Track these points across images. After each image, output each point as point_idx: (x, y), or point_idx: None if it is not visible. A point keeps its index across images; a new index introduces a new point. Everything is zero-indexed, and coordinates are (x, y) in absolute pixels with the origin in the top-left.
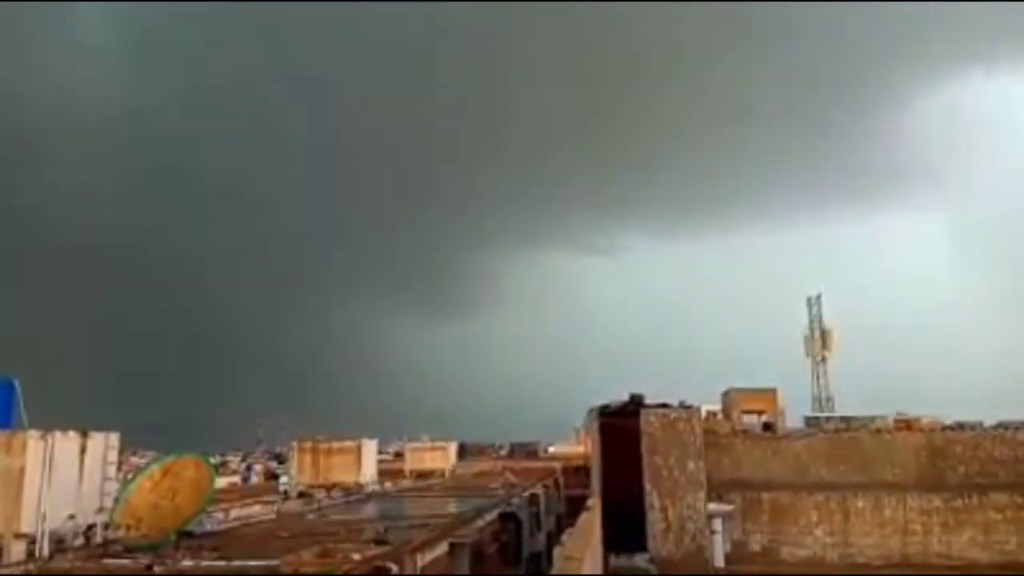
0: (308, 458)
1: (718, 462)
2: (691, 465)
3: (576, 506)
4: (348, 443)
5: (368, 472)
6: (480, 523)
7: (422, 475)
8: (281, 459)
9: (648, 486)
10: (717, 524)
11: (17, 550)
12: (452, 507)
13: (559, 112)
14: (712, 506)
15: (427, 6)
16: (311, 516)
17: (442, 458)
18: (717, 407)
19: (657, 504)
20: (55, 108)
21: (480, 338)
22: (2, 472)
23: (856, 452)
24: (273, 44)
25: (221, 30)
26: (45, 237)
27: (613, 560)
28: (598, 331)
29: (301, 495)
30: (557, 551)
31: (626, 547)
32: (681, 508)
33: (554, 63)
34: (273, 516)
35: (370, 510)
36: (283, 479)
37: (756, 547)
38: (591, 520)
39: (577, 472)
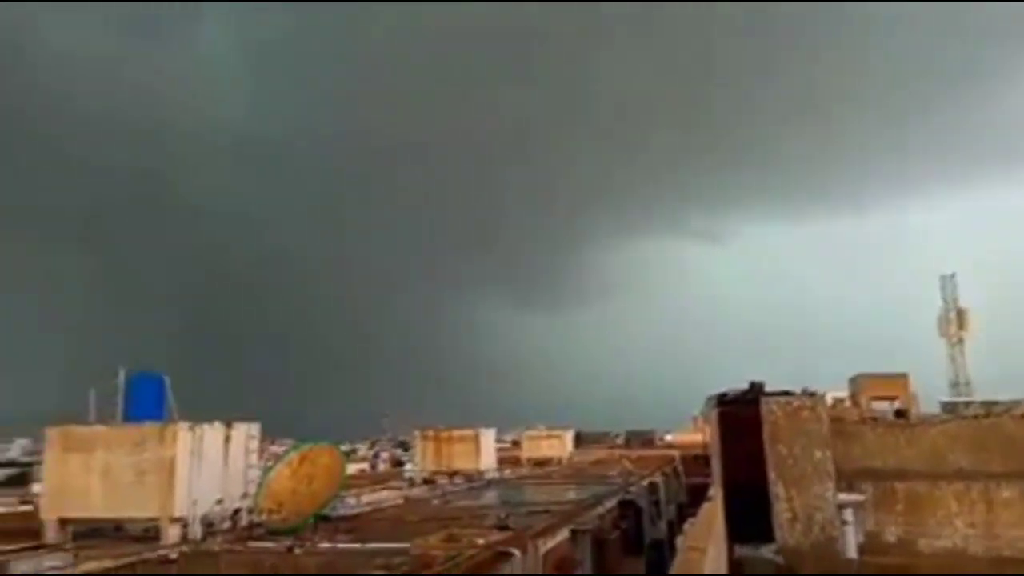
0: (430, 446)
1: (847, 451)
2: (817, 454)
3: (697, 495)
4: (468, 431)
5: (487, 460)
6: (600, 510)
7: (539, 463)
8: (405, 447)
9: (772, 475)
10: (848, 514)
11: (173, 533)
12: (571, 494)
13: (665, 101)
14: (842, 496)
15: (521, 6)
16: (436, 502)
17: (559, 446)
18: (844, 394)
19: (782, 494)
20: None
21: (591, 327)
22: (156, 461)
23: (999, 439)
24: (387, 56)
25: (337, 40)
26: (191, 250)
27: (738, 550)
28: (712, 318)
29: (425, 481)
30: (680, 540)
31: (751, 537)
32: (808, 498)
33: (659, 54)
34: (400, 501)
35: (491, 496)
36: (408, 466)
37: (891, 538)
38: (714, 509)
39: (697, 460)
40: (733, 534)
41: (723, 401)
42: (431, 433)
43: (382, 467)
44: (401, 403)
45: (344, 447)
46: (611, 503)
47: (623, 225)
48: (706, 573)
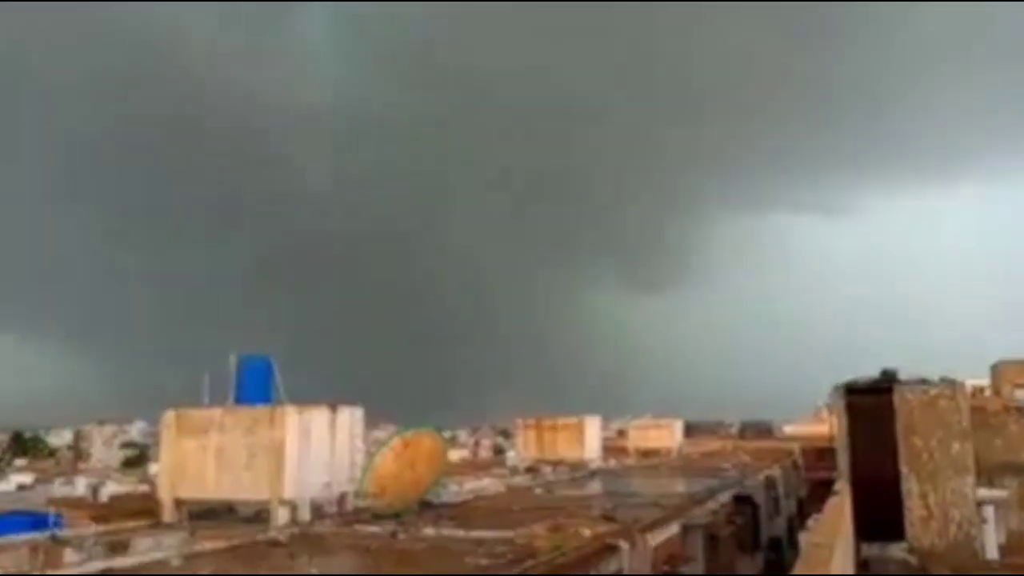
0: (532, 434)
1: (988, 443)
2: (956, 447)
3: (819, 490)
4: (571, 420)
5: (592, 449)
6: (713, 504)
7: (646, 453)
8: (507, 435)
9: (905, 470)
10: (988, 512)
11: (282, 514)
12: (680, 487)
13: (780, 66)
14: (982, 492)
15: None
16: (539, 491)
17: (667, 436)
18: (985, 382)
19: (916, 490)
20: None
21: (699, 308)
22: (267, 444)
23: None
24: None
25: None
26: (301, 235)
27: (866, 549)
28: (831, 297)
29: (528, 470)
30: (803, 537)
31: (880, 535)
32: (944, 494)
33: (774, 16)
34: (503, 489)
35: (596, 487)
36: (510, 454)
37: None
38: (840, 505)
39: (820, 454)
40: (860, 532)
41: (852, 390)
42: (533, 421)
43: (484, 454)
44: (503, 389)
45: (445, 434)
46: (725, 497)
47: (736, 200)
48: (833, 572)
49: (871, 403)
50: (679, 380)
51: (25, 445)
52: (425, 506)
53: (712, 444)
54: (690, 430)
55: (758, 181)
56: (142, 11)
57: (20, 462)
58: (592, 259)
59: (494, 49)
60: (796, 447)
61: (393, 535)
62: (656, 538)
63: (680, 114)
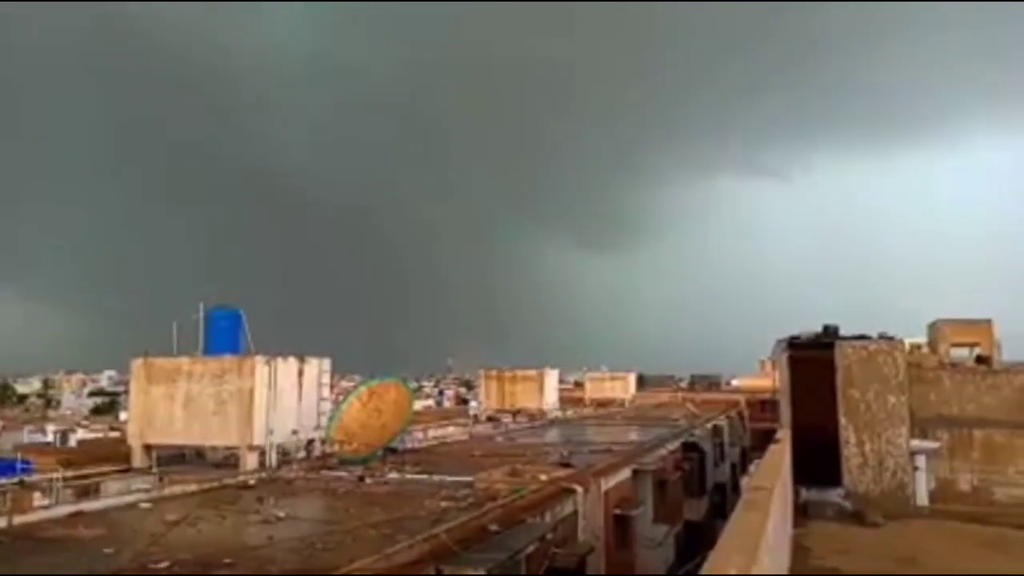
0: (494, 385)
1: (923, 397)
2: (892, 399)
3: (762, 440)
4: (531, 372)
5: (550, 399)
6: (662, 452)
7: (602, 404)
8: (470, 385)
9: (843, 420)
10: (921, 461)
11: (251, 460)
12: (633, 435)
13: (730, 33)
14: (915, 443)
15: None
16: (499, 438)
17: (621, 388)
18: (923, 340)
19: (853, 439)
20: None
21: (653, 268)
22: (235, 392)
23: None
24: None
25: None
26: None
27: (804, 493)
28: (780, 258)
29: (489, 419)
30: (745, 481)
31: (818, 481)
32: (880, 444)
33: None
34: (465, 437)
35: (553, 435)
36: (473, 404)
37: (965, 487)
38: (780, 452)
39: (763, 406)
40: (800, 478)
41: (794, 345)
42: (495, 372)
43: (447, 404)
44: (465, 342)
45: (411, 385)
46: (674, 445)
47: (686, 162)
48: (772, 512)
49: (812, 357)
50: (633, 336)
51: None
52: (391, 452)
53: (663, 396)
54: (643, 382)
55: (708, 145)
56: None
57: None
58: (549, 221)
59: (473, 13)
60: (741, 399)
61: (360, 480)
62: (608, 483)
63: (633, 77)
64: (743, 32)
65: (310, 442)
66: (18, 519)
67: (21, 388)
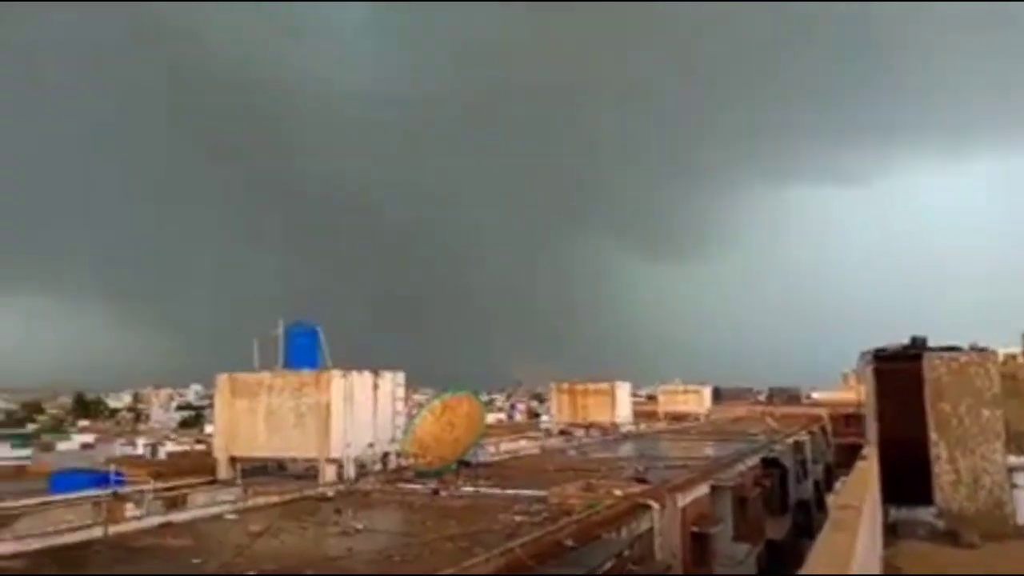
0: (566, 398)
1: (1020, 411)
2: (986, 413)
3: (846, 455)
4: (603, 385)
5: (623, 413)
6: (741, 467)
7: (676, 418)
8: (541, 399)
9: (934, 435)
10: (1021, 478)
11: (329, 472)
12: (709, 450)
13: (800, 42)
14: (1014, 459)
15: None
16: (572, 452)
17: (696, 401)
18: (1017, 350)
19: (945, 455)
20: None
21: (728, 279)
22: (313, 406)
23: None
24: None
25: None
26: (331, 215)
27: (893, 512)
28: (863, 268)
29: (561, 433)
30: (831, 499)
31: (908, 499)
32: (974, 460)
33: None
34: (537, 451)
35: (627, 449)
36: (544, 417)
37: None
38: (868, 469)
39: (847, 420)
40: (888, 495)
41: (880, 357)
42: (566, 386)
43: (518, 417)
44: (534, 355)
45: (482, 398)
46: (753, 461)
47: (756, 168)
48: (861, 532)
49: (899, 370)
50: (707, 348)
51: (87, 407)
52: (464, 465)
53: (739, 410)
54: (719, 396)
55: (778, 150)
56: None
57: (83, 423)
58: (622, 233)
59: (528, 29)
60: (824, 413)
61: (434, 493)
62: (685, 498)
63: (698, 83)
64: (814, 42)
65: (385, 455)
66: (112, 529)
67: (113, 403)
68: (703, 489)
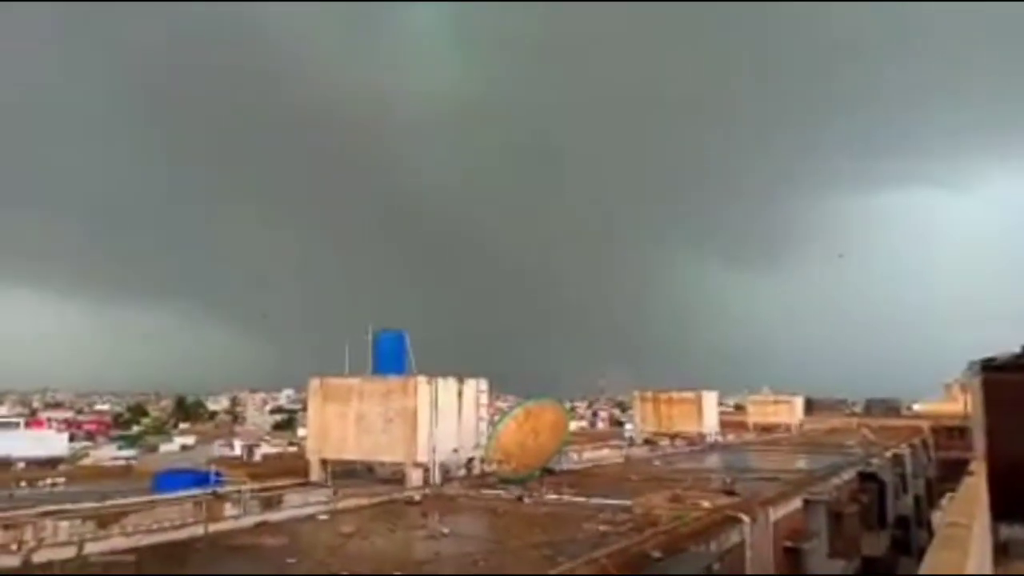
0: (650, 407)
1: None
2: None
3: (951, 470)
4: (688, 394)
5: (709, 423)
6: (836, 481)
7: (766, 429)
8: (624, 407)
9: None
10: None
11: (416, 476)
12: (802, 463)
13: (894, 45)
14: None
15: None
16: (657, 462)
17: (787, 412)
18: None
19: None
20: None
21: (818, 286)
22: (400, 411)
23: None
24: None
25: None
26: (416, 223)
27: (1005, 530)
28: (955, 274)
29: (646, 442)
30: (937, 516)
31: (1020, 517)
32: None
33: None
34: (621, 460)
35: (714, 460)
36: (627, 426)
37: None
38: (976, 484)
39: (951, 433)
40: (999, 513)
41: (989, 367)
42: (650, 394)
43: (601, 426)
44: (616, 363)
45: (564, 405)
46: (849, 474)
47: (849, 174)
48: (971, 551)
49: (1010, 380)
50: (798, 357)
51: (188, 410)
52: (547, 473)
53: (834, 421)
54: (811, 407)
55: (874, 155)
56: (252, 12)
57: (184, 425)
58: (707, 239)
59: (607, 41)
60: (925, 426)
61: (518, 499)
62: (777, 512)
63: (788, 90)
64: (908, 45)
65: (470, 460)
66: (212, 527)
67: (212, 405)
68: (796, 503)
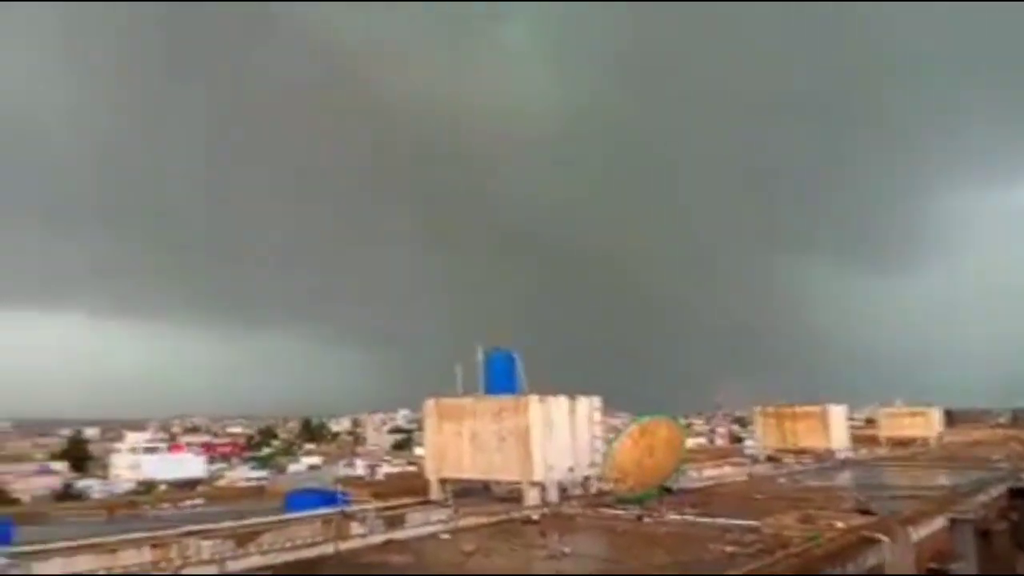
0: (772, 422)
1: None
2: None
3: None
4: (813, 408)
5: (838, 438)
6: (983, 498)
7: (900, 443)
8: (743, 423)
9: None
10: None
11: (532, 495)
12: (943, 479)
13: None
14: None
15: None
16: (782, 480)
17: (923, 425)
18: None
19: None
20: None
21: (946, 289)
22: (514, 430)
23: None
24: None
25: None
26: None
27: None
28: None
29: (769, 459)
30: None
31: None
32: None
33: None
34: (744, 478)
35: (845, 478)
36: (748, 443)
37: None
38: None
39: None
40: None
41: None
42: (772, 409)
43: (720, 442)
44: (733, 377)
45: (680, 421)
46: (998, 490)
47: (1000, 172)
48: None
49: None
50: (934, 367)
51: (312, 431)
52: (666, 492)
53: (976, 433)
54: (950, 419)
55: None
56: (335, 22)
57: (309, 446)
58: (840, 243)
59: (727, 44)
60: None
61: (638, 519)
62: (919, 532)
63: (928, 85)
64: None
65: (586, 479)
66: (342, 545)
67: (334, 427)
68: (939, 522)
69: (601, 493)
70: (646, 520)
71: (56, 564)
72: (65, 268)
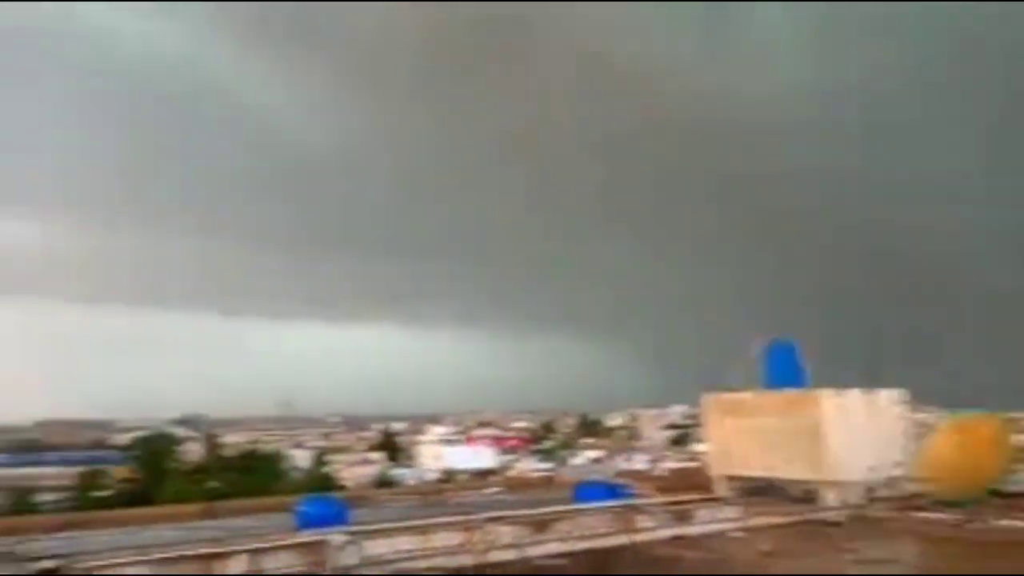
0: None
1: None
2: None
3: None
4: None
5: None
6: None
7: None
8: None
9: None
10: None
11: (829, 496)
12: None
13: None
14: None
15: None
16: None
17: None
18: None
19: None
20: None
21: None
22: (804, 426)
23: None
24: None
25: None
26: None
27: None
28: None
29: None
30: None
31: None
32: None
33: None
34: None
35: None
36: None
37: None
38: None
39: None
40: None
41: None
42: None
43: None
44: None
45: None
46: None
47: None
48: None
49: None
50: None
51: (590, 426)
52: (995, 495)
53: None
54: None
55: None
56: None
57: (586, 440)
58: None
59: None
60: None
61: (959, 524)
62: None
63: None
64: None
65: (893, 479)
66: (633, 537)
67: (608, 422)
68: None
69: (912, 495)
70: (968, 526)
71: (381, 544)
72: (382, 289)
